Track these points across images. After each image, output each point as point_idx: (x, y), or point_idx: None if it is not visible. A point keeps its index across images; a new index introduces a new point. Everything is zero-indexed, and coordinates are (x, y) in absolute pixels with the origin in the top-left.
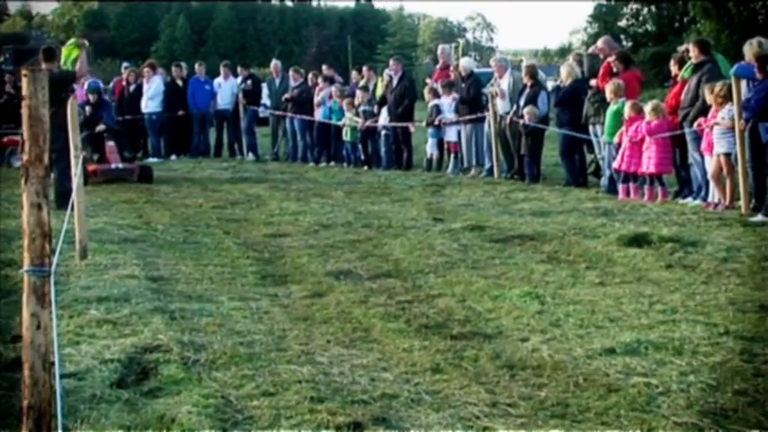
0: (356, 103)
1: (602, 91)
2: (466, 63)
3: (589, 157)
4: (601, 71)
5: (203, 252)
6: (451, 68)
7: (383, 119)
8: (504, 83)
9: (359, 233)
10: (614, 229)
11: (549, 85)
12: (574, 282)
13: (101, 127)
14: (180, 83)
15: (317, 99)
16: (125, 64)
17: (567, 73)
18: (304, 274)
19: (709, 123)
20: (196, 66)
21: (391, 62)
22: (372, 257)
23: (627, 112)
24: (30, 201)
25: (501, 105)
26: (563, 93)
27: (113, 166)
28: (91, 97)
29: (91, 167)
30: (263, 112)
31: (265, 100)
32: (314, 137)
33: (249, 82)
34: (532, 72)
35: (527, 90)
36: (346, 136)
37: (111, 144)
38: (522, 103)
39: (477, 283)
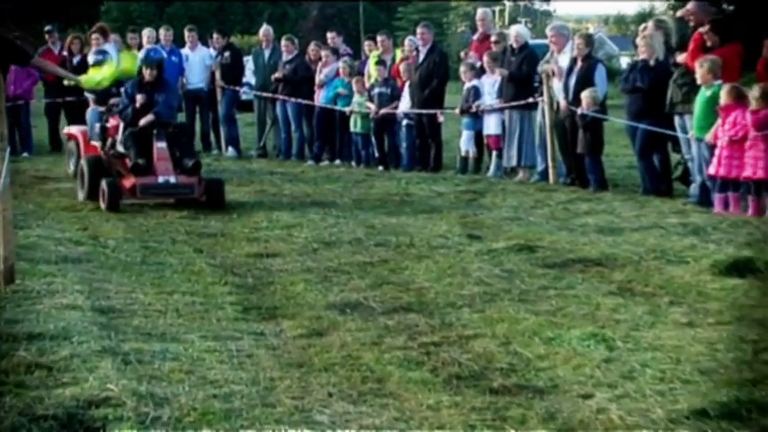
0: (369, 83)
1: (691, 71)
2: (520, 30)
3: (674, 158)
4: (690, 44)
5: (167, 276)
6: (492, 39)
7: (404, 104)
8: (565, 59)
9: (371, 254)
10: (707, 253)
11: (624, 62)
12: (653, 321)
13: (147, 119)
14: (137, 54)
15: (318, 78)
16: (47, 28)
17: (645, 46)
18: (299, 307)
19: None
20: (161, 31)
21: (418, 30)
22: (388, 286)
23: (724, 98)
24: None
25: (559, 89)
26: (640, 73)
27: (162, 179)
28: (147, 73)
29: (128, 181)
30: (246, 94)
31: (249, 78)
32: (313, 127)
33: (227, 54)
34: (588, 40)
35: (578, 65)
36: (355, 126)
37: (161, 146)
38: (572, 83)
39: (526, 321)
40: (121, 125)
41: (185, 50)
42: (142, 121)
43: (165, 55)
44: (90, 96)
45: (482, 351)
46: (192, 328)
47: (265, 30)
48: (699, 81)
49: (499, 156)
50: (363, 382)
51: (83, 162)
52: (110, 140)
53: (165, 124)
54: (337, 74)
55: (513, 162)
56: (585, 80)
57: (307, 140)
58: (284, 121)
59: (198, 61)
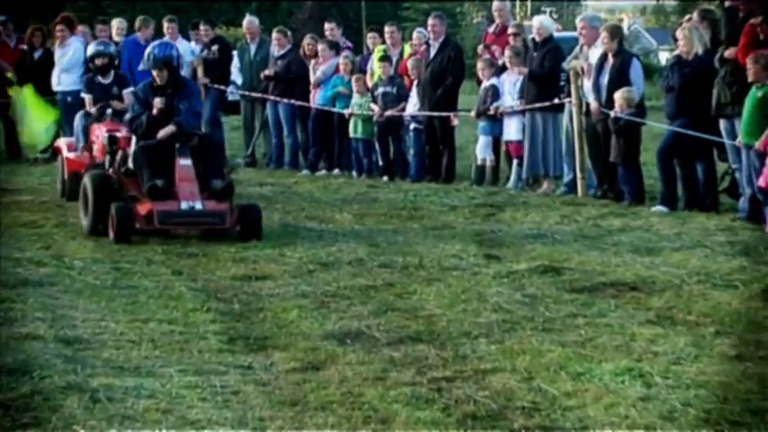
0: (372, 81)
1: (742, 68)
2: (543, 21)
3: (721, 168)
4: (741, 38)
5: (142, 301)
6: (510, 31)
7: (412, 106)
8: (596, 54)
9: (374, 276)
10: (758, 276)
11: (664, 57)
12: (696, 354)
13: (167, 130)
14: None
15: (314, 76)
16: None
17: (684, 39)
18: (292, 337)
19: None
20: (137, 22)
21: (430, 21)
22: (394, 312)
23: None
24: None
25: (589, 88)
26: (673, 69)
27: (185, 205)
28: (157, 76)
29: (143, 206)
30: (232, 94)
31: (236, 76)
32: (308, 132)
33: (215, 48)
34: (614, 33)
35: (609, 62)
36: (356, 131)
37: (184, 164)
38: (604, 82)
39: (551, 353)
40: (133, 138)
41: None
42: (161, 134)
43: (174, 51)
44: (87, 96)
45: (501, 387)
46: (170, 360)
47: (249, 21)
48: (750, 79)
49: (520, 164)
50: (366, 423)
51: (86, 181)
52: (120, 154)
53: (189, 136)
54: (336, 71)
55: (537, 172)
56: (619, 78)
57: (301, 147)
58: (275, 124)
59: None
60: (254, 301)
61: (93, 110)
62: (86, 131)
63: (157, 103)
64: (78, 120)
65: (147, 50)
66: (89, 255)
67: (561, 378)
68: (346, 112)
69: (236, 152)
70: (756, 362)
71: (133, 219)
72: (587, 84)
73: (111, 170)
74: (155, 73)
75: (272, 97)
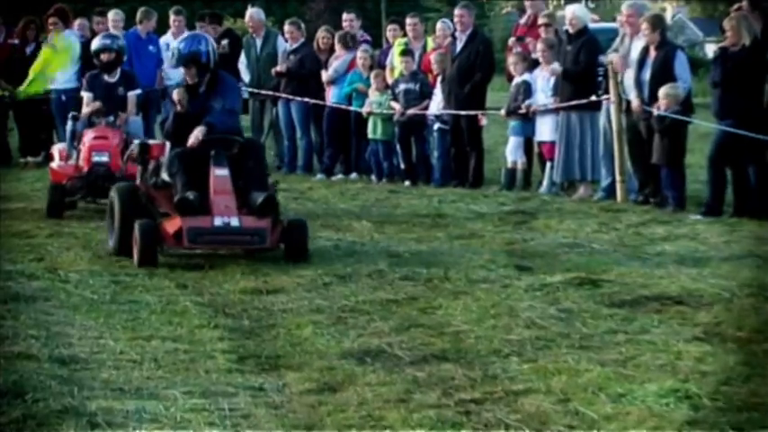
0: (392, 77)
1: None
2: (576, 11)
3: None
4: None
5: (144, 318)
6: (541, 21)
7: (436, 104)
8: (638, 46)
9: (396, 289)
10: None
11: (710, 49)
12: (748, 373)
13: (197, 133)
14: None
15: (326, 73)
16: None
17: (733, 30)
18: (307, 355)
19: None
20: (138, 14)
21: (456, 11)
22: (418, 329)
23: None
24: None
25: (630, 84)
26: (723, 64)
27: (220, 221)
28: (187, 75)
29: (172, 223)
30: (242, 93)
31: (244, 74)
32: (323, 133)
33: (225, 43)
34: (656, 23)
35: (651, 55)
36: (375, 132)
37: (220, 174)
38: (645, 77)
39: (589, 373)
40: (168, 146)
41: (166, 38)
42: (191, 139)
43: (204, 46)
44: (86, 95)
45: (534, 410)
46: (174, 381)
47: (253, 13)
48: None
49: (554, 167)
50: None
51: (112, 195)
52: (152, 164)
53: (227, 142)
54: (350, 67)
55: (572, 175)
56: (663, 73)
57: (316, 149)
58: (288, 125)
59: None
60: (266, 317)
61: (89, 109)
62: (76, 138)
63: (176, 95)
64: (68, 123)
65: (173, 45)
66: (86, 267)
67: (600, 400)
68: (364, 110)
69: None
70: None
71: (160, 238)
72: (628, 79)
73: (140, 182)
74: (184, 71)
75: (283, 96)
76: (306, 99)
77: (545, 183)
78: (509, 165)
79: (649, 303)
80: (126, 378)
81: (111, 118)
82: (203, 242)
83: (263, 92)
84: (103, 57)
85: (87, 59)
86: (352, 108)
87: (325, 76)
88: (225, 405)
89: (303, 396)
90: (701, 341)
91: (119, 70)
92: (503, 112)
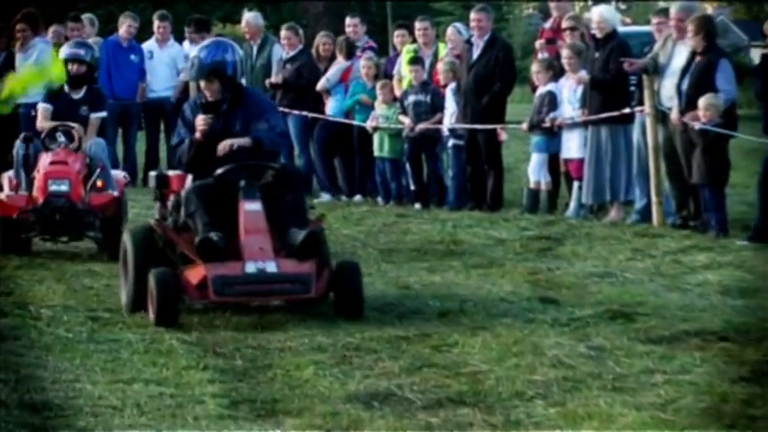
0: (400, 88)
1: None
2: (605, 13)
3: None
4: None
5: (125, 358)
6: (566, 25)
7: (448, 117)
8: (683, 52)
9: (406, 325)
10: None
11: (756, 54)
12: None
13: (241, 141)
14: None
15: (321, 82)
16: None
17: None
18: (307, 399)
19: None
20: (121, 19)
21: (473, 15)
22: (431, 369)
23: None
24: None
25: (669, 94)
26: (756, 71)
27: (252, 267)
28: (207, 90)
29: (194, 271)
30: None
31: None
32: (322, 149)
33: None
34: (703, 26)
35: (695, 60)
36: (381, 149)
37: (252, 209)
38: (684, 87)
39: (623, 418)
40: (189, 178)
41: (150, 45)
42: (220, 148)
43: (230, 55)
44: (42, 107)
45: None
46: (159, 429)
47: (250, 18)
48: None
49: (582, 188)
50: None
51: (125, 239)
52: (172, 199)
53: (258, 169)
54: (345, 75)
55: (602, 197)
56: (703, 82)
57: (315, 168)
58: None
59: (166, 61)
60: (261, 357)
61: (44, 125)
62: (28, 162)
63: (200, 122)
64: (17, 146)
65: (193, 54)
66: (59, 302)
67: None
68: (369, 125)
69: None
70: None
71: (181, 290)
72: (666, 89)
73: (154, 222)
74: (203, 85)
75: (279, 109)
76: (304, 112)
77: (572, 205)
78: (532, 185)
79: (690, 339)
80: (105, 426)
81: (62, 138)
82: (233, 293)
83: None
84: (72, 68)
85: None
86: (355, 122)
87: (318, 86)
88: None
89: None
90: (749, 382)
91: (85, 87)
92: (525, 125)
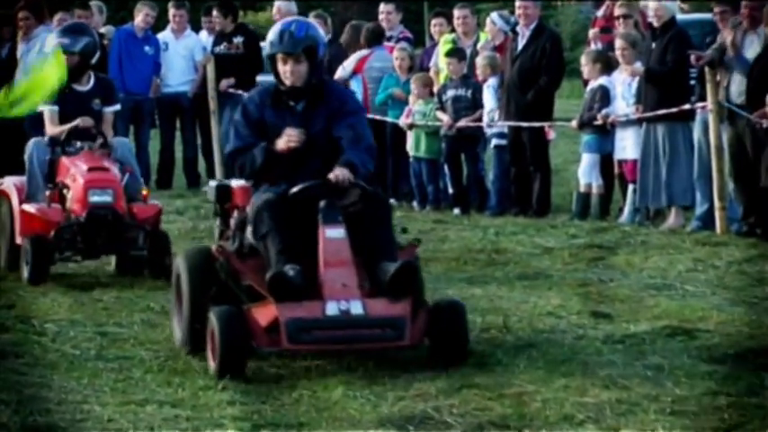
0: (438, 82)
1: None
2: (663, 1)
3: None
4: None
5: (137, 377)
6: (618, 12)
7: (490, 113)
8: (756, 44)
9: None
10: None
11: None
12: None
13: (342, 173)
14: None
15: (338, 71)
16: None
17: None
18: (336, 422)
19: None
20: (137, 7)
21: (519, 2)
22: (471, 390)
23: None
24: None
25: (738, 90)
26: None
27: (334, 308)
28: (291, 73)
29: (264, 311)
30: None
31: (263, 77)
32: None
33: (239, 41)
34: None
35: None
36: (417, 149)
37: (334, 236)
38: (754, 81)
39: None
40: (254, 196)
41: (165, 35)
42: (296, 187)
43: (324, 38)
44: (47, 110)
45: None
46: None
47: (281, 6)
48: None
49: (636, 191)
50: None
51: (179, 263)
52: (235, 216)
53: (339, 188)
54: (359, 66)
55: (659, 201)
56: None
57: None
58: None
59: (182, 53)
60: (286, 377)
61: (56, 131)
62: (49, 168)
63: (292, 136)
64: (32, 149)
65: (275, 28)
66: (66, 316)
67: None
68: (403, 122)
69: None
70: None
71: (248, 334)
72: (736, 83)
73: (216, 249)
74: (287, 67)
75: None
76: None
77: (626, 210)
78: (582, 188)
79: (758, 359)
80: None
81: (97, 145)
82: (311, 340)
83: None
84: (68, 62)
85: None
86: (388, 119)
87: (336, 75)
88: None
89: None
90: None
91: (91, 76)
92: (574, 123)
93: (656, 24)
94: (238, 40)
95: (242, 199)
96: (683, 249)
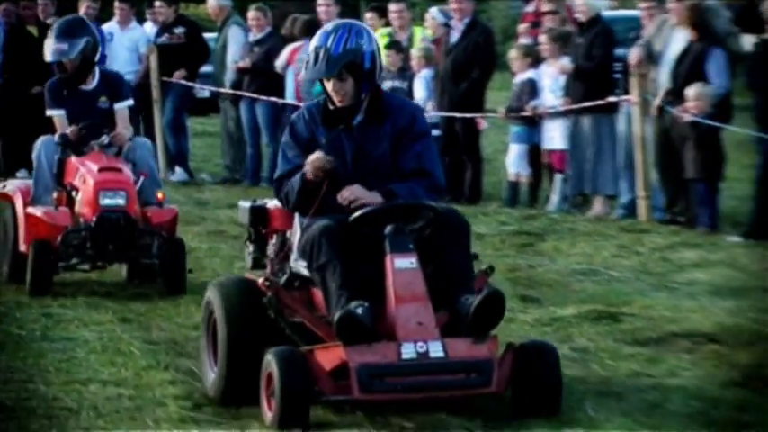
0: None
1: None
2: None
3: None
4: None
5: (81, 358)
6: (546, 9)
7: (425, 105)
8: (680, 39)
9: None
10: None
11: (748, 42)
12: None
13: (347, 198)
14: (35, 32)
15: (276, 63)
16: None
17: None
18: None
19: None
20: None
21: None
22: None
23: None
24: None
25: (662, 82)
26: (758, 59)
27: (410, 351)
28: (336, 92)
29: (327, 354)
30: (201, 92)
31: (211, 69)
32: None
33: (180, 31)
34: (696, 14)
35: (690, 49)
36: None
37: (405, 267)
38: (677, 76)
39: (609, 424)
40: (297, 215)
41: (110, 26)
42: (358, 212)
43: (366, 41)
44: (56, 114)
45: None
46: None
47: None
48: None
49: (565, 180)
50: None
51: (213, 298)
52: (272, 245)
53: (411, 210)
54: (291, 57)
55: (586, 189)
56: (695, 72)
57: None
58: (252, 129)
59: (127, 44)
60: None
61: (68, 131)
62: (58, 169)
63: (315, 162)
64: (41, 147)
65: (312, 43)
66: (11, 297)
67: None
68: None
69: (199, 165)
70: None
71: (310, 379)
72: (662, 77)
73: (264, 282)
74: (329, 86)
75: (246, 95)
76: (273, 98)
77: (554, 198)
78: (512, 177)
79: (679, 341)
80: (60, 429)
81: (105, 140)
82: (387, 389)
83: (222, 90)
84: (68, 67)
85: (11, 51)
86: None
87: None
88: None
89: None
90: (740, 387)
91: (96, 73)
92: (501, 111)
93: (582, 19)
94: (180, 30)
95: (281, 222)
96: (609, 236)
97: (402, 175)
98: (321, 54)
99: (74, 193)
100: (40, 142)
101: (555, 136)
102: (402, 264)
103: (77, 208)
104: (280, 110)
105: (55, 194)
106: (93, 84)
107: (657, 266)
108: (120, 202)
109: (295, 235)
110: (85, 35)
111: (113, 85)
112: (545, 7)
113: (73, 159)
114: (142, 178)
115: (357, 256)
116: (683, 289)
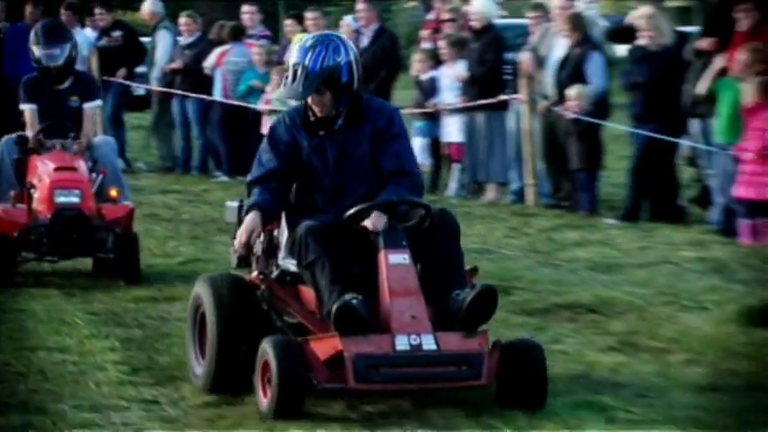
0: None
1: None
2: (480, 7)
3: (687, 173)
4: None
5: (29, 327)
6: (445, 17)
7: None
8: (563, 44)
9: None
10: (732, 297)
11: (621, 49)
12: (664, 384)
13: (376, 221)
14: None
15: (206, 63)
16: None
17: (649, 28)
18: None
19: None
20: (28, 9)
21: (358, 5)
22: None
23: (751, 96)
24: None
25: (548, 83)
26: (639, 63)
27: (404, 343)
28: (316, 104)
29: (323, 345)
30: (137, 90)
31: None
32: (217, 132)
33: (117, 34)
34: (576, 23)
35: (571, 53)
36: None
37: (399, 262)
38: (561, 78)
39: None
40: (284, 218)
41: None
42: (370, 225)
43: (349, 55)
44: (27, 108)
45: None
46: (62, 395)
47: (150, 5)
48: (735, 71)
49: (462, 169)
50: None
51: (202, 292)
52: (263, 240)
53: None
54: (219, 60)
55: (480, 177)
56: (576, 74)
57: (213, 149)
58: (182, 123)
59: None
60: (160, 327)
61: (28, 133)
62: (19, 167)
63: (238, 244)
64: (3, 146)
65: (290, 60)
66: None
67: (512, 413)
68: (263, 107)
69: (136, 155)
70: (731, 392)
71: (306, 369)
72: (548, 79)
73: (256, 276)
74: (309, 100)
75: (179, 92)
76: (202, 96)
77: (453, 186)
78: None
79: (562, 312)
80: (11, 392)
81: (71, 143)
82: (381, 379)
83: (155, 88)
84: (54, 70)
85: None
86: (250, 105)
87: (205, 63)
88: (117, 419)
89: (200, 410)
90: (614, 351)
91: (71, 75)
92: (406, 106)
93: (476, 27)
94: (117, 33)
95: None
96: (501, 219)
97: (384, 175)
98: (299, 71)
99: (32, 191)
100: (4, 141)
101: (453, 130)
102: (396, 259)
103: (35, 205)
104: (208, 106)
105: (12, 193)
106: (67, 83)
107: (544, 246)
108: (75, 199)
109: (283, 233)
110: (69, 39)
111: (85, 86)
112: (444, 15)
113: (34, 157)
114: (101, 176)
115: (345, 255)
116: (565, 265)
